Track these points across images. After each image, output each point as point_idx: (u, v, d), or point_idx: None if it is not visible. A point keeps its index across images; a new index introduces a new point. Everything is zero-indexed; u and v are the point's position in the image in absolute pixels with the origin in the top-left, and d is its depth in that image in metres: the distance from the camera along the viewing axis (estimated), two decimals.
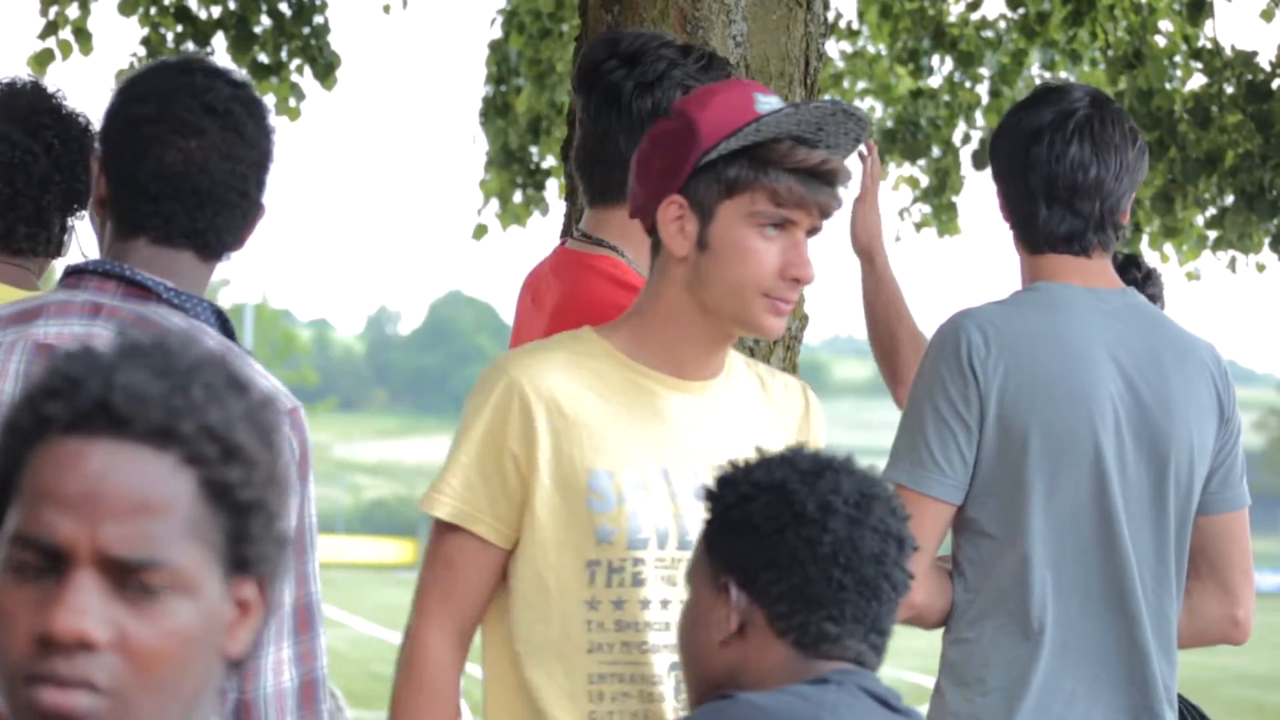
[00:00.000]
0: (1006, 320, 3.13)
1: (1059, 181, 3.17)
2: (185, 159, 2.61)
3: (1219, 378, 3.15)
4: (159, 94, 2.63)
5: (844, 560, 2.23)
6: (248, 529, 1.50)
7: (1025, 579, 3.10)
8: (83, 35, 8.11)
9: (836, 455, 2.33)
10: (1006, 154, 3.23)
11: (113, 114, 2.67)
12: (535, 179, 10.10)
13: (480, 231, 10.23)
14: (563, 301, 3.11)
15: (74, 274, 2.65)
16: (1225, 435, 3.16)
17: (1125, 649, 3.09)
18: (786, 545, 2.24)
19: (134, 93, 2.66)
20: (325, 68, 8.46)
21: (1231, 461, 3.17)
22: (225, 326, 2.66)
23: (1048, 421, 3.08)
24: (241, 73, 2.71)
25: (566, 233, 4.00)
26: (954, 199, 10.06)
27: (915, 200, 10.21)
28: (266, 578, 1.53)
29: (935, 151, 9.93)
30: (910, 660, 24.52)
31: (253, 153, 2.65)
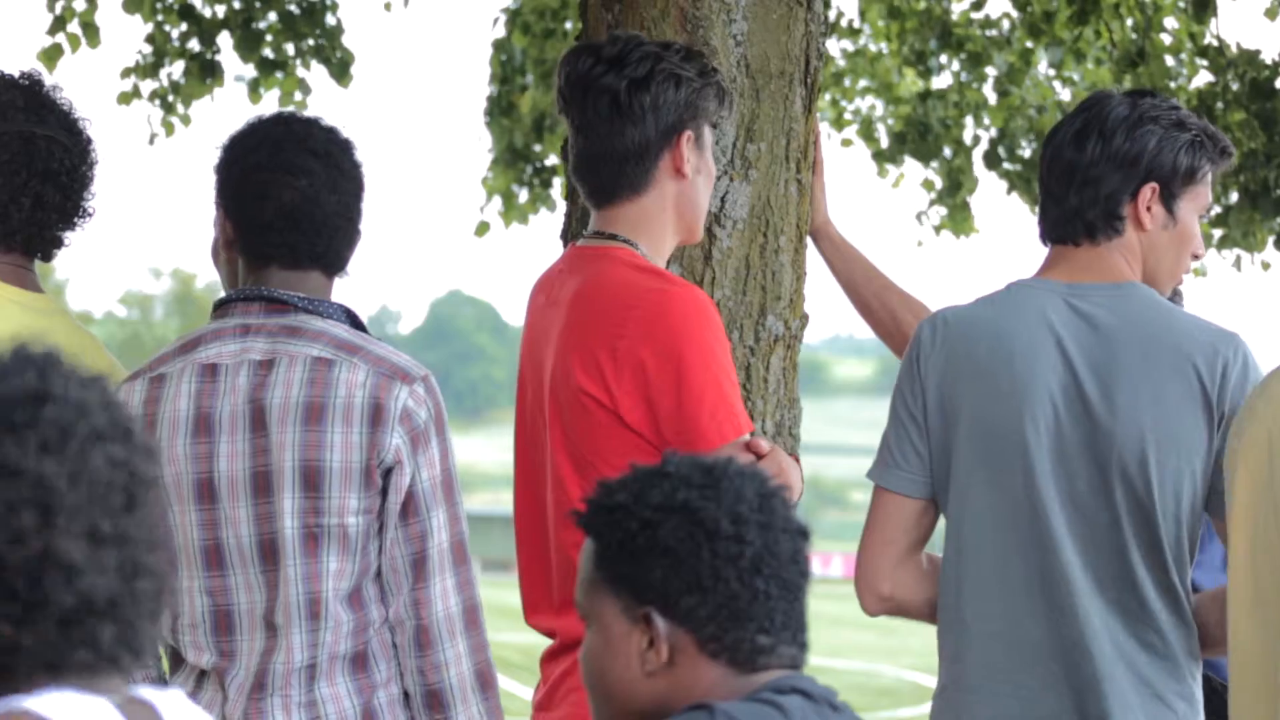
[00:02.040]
0: (957, 317, 3.17)
1: (1043, 170, 3.21)
2: (299, 196, 3.03)
3: (1208, 374, 3.06)
4: (267, 144, 3.06)
5: (766, 569, 2.16)
6: None
7: (960, 572, 3.12)
8: (90, 29, 8.12)
9: (715, 458, 2.23)
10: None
11: (228, 165, 3.09)
12: (542, 176, 10.12)
13: (483, 229, 10.26)
14: (582, 288, 3.19)
15: (221, 305, 3.09)
16: (1227, 432, 3.05)
17: (1056, 645, 3.07)
18: (707, 566, 2.15)
19: (244, 145, 3.08)
20: (340, 66, 8.47)
21: None
22: (355, 322, 3.10)
23: (977, 414, 3.10)
24: (330, 120, 3.11)
25: (567, 232, 4.02)
26: (968, 198, 10.04)
27: (932, 203, 10.20)
28: None
29: (946, 152, 9.92)
30: (909, 659, 24.57)
31: (351, 184, 3.08)
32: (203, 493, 2.99)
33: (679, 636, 2.16)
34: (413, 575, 3.03)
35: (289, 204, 3.03)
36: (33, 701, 1.57)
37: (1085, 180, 3.14)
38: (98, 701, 1.60)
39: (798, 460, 3.18)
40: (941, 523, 3.23)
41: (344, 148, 3.09)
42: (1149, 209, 3.15)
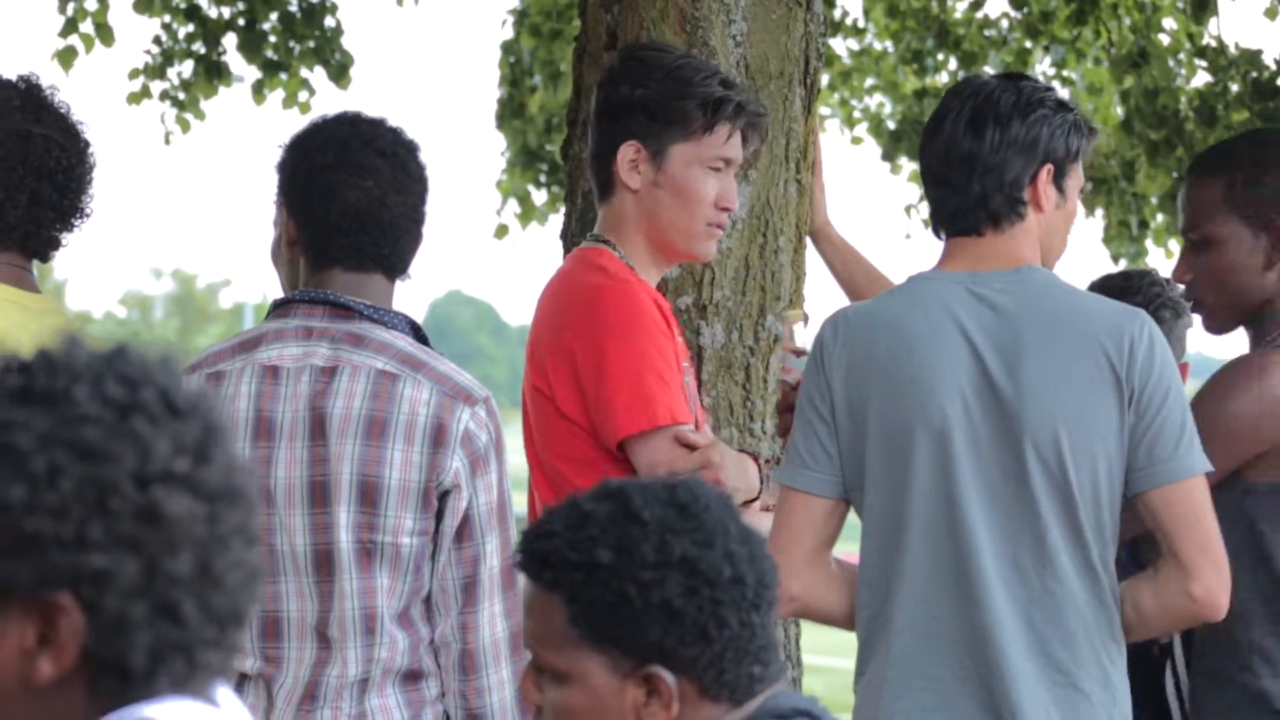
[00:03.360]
0: (858, 313, 3.18)
1: (936, 161, 3.20)
2: (366, 197, 2.99)
3: (1115, 352, 3.05)
4: (334, 143, 3.01)
5: (763, 602, 2.10)
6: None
7: (879, 567, 3.12)
8: (103, 29, 8.16)
9: (670, 484, 2.11)
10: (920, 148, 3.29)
11: (293, 164, 3.05)
12: (557, 177, 10.14)
13: (501, 231, 10.30)
14: (545, 289, 3.33)
15: (282, 305, 3.04)
16: (1139, 409, 3.05)
17: (969, 638, 3.06)
18: (710, 616, 2.06)
19: (310, 145, 3.04)
20: (339, 68, 8.49)
21: (1155, 435, 3.05)
22: (419, 334, 3.06)
23: (885, 410, 3.09)
24: (394, 120, 3.07)
25: (566, 232, 4.04)
26: None
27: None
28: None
29: None
30: None
31: (418, 185, 3.04)
32: (259, 497, 2.96)
33: (681, 686, 2.08)
34: (462, 599, 2.99)
35: (355, 205, 3.00)
36: (154, 709, 1.52)
37: (988, 168, 3.15)
38: (202, 707, 1.56)
39: (756, 459, 3.19)
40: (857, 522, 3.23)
41: (410, 149, 3.06)
42: (1045, 191, 3.18)
